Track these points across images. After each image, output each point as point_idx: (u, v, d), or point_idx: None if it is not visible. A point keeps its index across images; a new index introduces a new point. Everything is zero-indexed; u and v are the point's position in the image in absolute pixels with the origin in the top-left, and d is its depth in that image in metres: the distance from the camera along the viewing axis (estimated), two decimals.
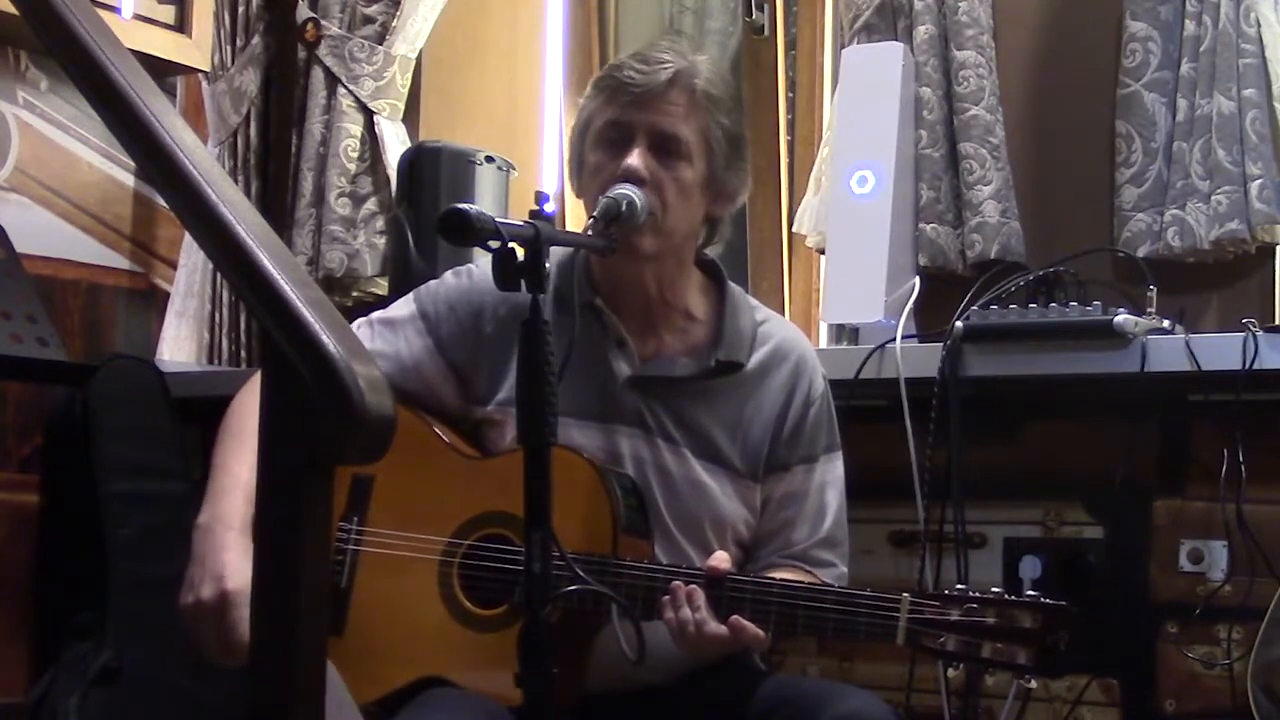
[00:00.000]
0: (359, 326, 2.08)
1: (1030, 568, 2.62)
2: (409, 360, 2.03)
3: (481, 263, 2.06)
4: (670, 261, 2.02)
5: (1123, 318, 2.33)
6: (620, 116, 1.96)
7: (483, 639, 1.89)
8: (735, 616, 1.79)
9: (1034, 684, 1.76)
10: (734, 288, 2.11)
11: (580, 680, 1.85)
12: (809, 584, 1.91)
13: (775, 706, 1.89)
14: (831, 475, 2.08)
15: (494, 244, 1.61)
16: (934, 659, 1.78)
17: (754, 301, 2.14)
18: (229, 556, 1.80)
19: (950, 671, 1.74)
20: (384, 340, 2.05)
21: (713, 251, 2.15)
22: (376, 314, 2.11)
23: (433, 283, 2.11)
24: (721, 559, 1.85)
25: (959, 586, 1.77)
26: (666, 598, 1.81)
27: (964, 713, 2.58)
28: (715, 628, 1.79)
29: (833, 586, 1.92)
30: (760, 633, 1.81)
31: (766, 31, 3.22)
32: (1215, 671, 2.47)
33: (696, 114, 1.97)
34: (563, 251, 2.04)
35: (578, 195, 2.07)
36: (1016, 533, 2.66)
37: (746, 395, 2.03)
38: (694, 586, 1.80)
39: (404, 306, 2.08)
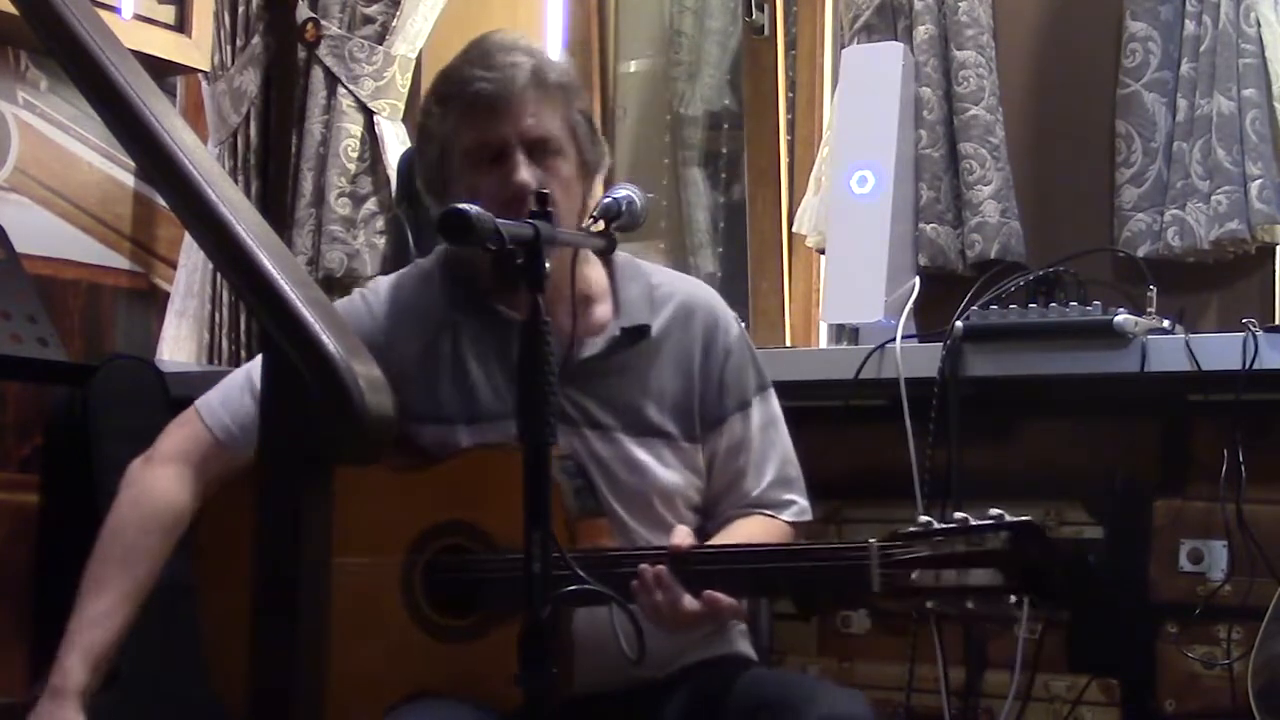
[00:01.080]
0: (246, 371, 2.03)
1: None
2: None
3: (375, 284, 2.07)
4: (562, 256, 1.93)
5: (1123, 318, 2.33)
6: (487, 133, 1.91)
7: (458, 650, 1.87)
8: (708, 591, 1.75)
9: (1014, 599, 1.71)
10: (622, 256, 2.04)
11: (567, 676, 1.84)
12: (775, 544, 1.89)
13: (759, 704, 1.86)
14: (769, 414, 2.04)
15: (493, 245, 1.60)
16: (912, 600, 1.75)
17: (644, 264, 2.09)
18: None
19: (930, 605, 1.71)
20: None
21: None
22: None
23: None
24: (682, 535, 1.81)
25: (922, 519, 1.73)
26: (635, 583, 1.77)
27: (964, 713, 2.58)
28: (690, 604, 1.75)
29: (799, 543, 1.90)
30: (735, 603, 1.78)
31: (766, 31, 3.22)
32: (1215, 671, 2.47)
33: (557, 107, 1.94)
34: (428, 263, 2.03)
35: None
36: None
37: (661, 358, 1.99)
38: (659, 567, 1.76)
39: None
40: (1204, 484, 2.49)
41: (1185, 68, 2.57)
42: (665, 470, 1.96)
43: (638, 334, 1.98)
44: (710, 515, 2.03)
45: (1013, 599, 1.70)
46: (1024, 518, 1.68)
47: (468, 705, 1.82)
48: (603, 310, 2.01)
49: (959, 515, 1.71)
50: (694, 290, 2.08)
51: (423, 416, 1.95)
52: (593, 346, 1.97)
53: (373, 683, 1.86)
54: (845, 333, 2.96)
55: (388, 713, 1.83)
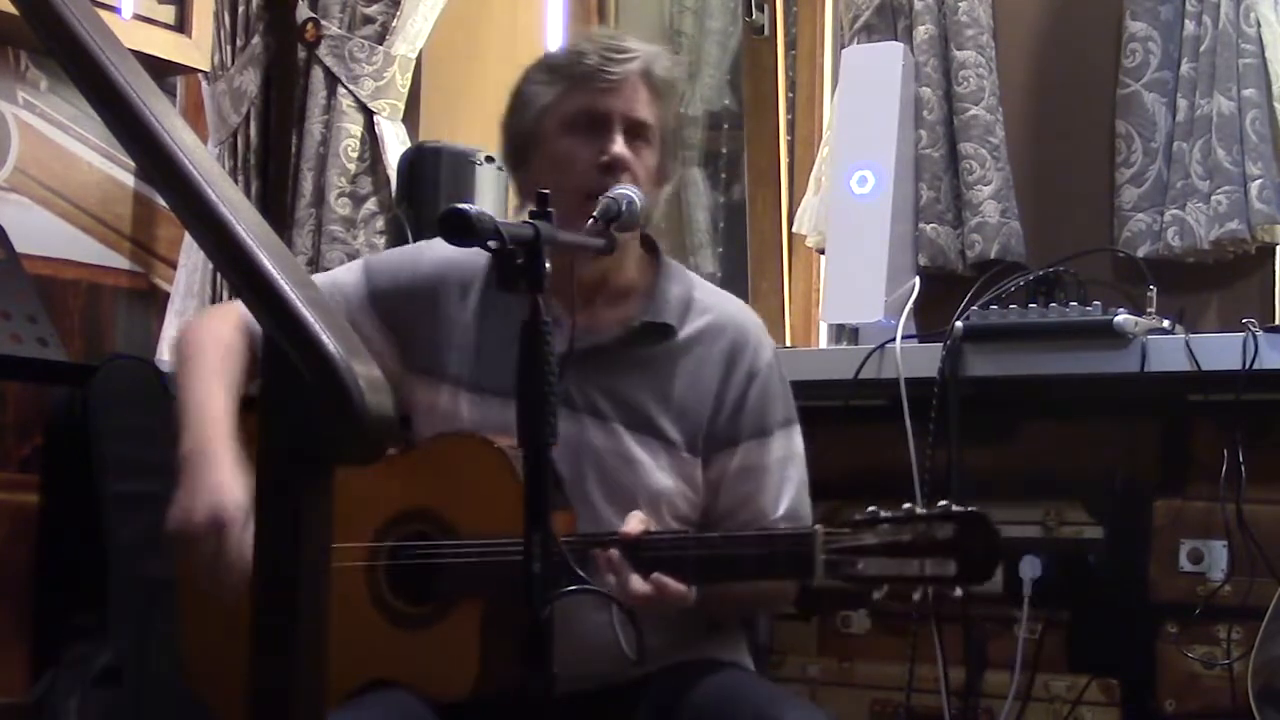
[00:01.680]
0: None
1: (1030, 568, 2.62)
2: (342, 308, 1.99)
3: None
4: (623, 246, 1.97)
5: (1123, 318, 2.33)
6: (595, 104, 1.95)
7: (417, 636, 1.87)
8: (656, 574, 1.76)
9: (960, 593, 1.72)
10: (672, 260, 2.07)
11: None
12: (723, 532, 1.89)
13: (711, 712, 1.86)
14: (791, 450, 2.04)
15: (494, 244, 1.60)
16: (859, 586, 1.75)
17: (694, 275, 2.10)
18: (222, 476, 1.77)
19: (876, 595, 1.71)
20: (324, 291, 2.03)
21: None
22: (321, 279, 2.07)
23: (383, 254, 2.11)
24: (635, 522, 1.81)
25: (870, 508, 1.72)
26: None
27: (964, 713, 2.58)
28: (640, 586, 1.75)
29: (748, 531, 1.90)
30: (681, 588, 1.77)
31: (766, 31, 3.22)
32: (1215, 671, 2.47)
33: (658, 102, 1.98)
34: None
35: (524, 185, 2.03)
36: (1016, 533, 2.66)
37: (679, 365, 1.99)
38: (612, 551, 1.77)
39: (354, 281, 2.06)
40: (1204, 484, 2.49)
41: (1185, 68, 2.57)
42: (658, 472, 1.96)
43: (659, 332, 1.99)
44: None
45: (958, 591, 1.70)
46: (970, 508, 1.67)
47: (399, 701, 1.82)
48: (634, 304, 2.02)
49: (906, 505, 1.71)
50: (733, 310, 2.08)
51: (429, 370, 1.98)
52: (612, 333, 1.98)
53: (332, 667, 1.86)
54: (845, 333, 2.96)
55: (343, 701, 1.83)
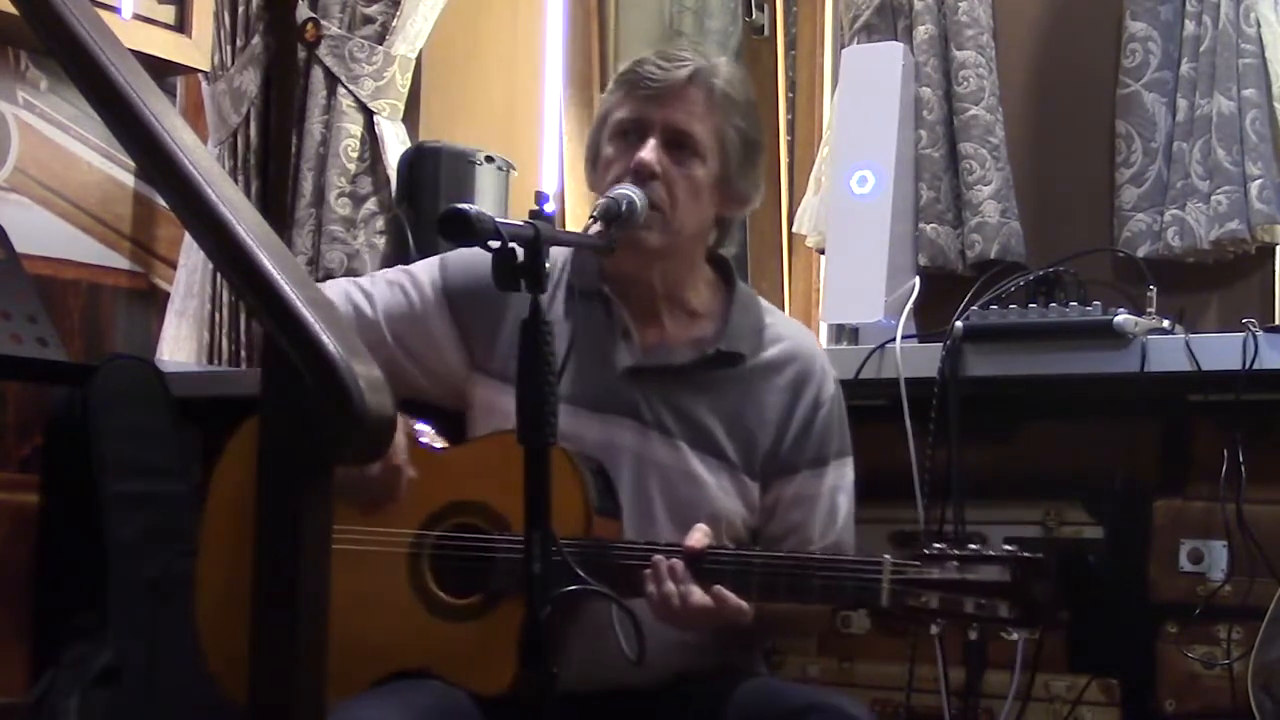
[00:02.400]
0: (380, 279, 2.09)
1: None
2: (430, 332, 2.04)
3: None
4: (676, 259, 2.02)
5: (1123, 318, 2.33)
6: (636, 111, 1.97)
7: (459, 628, 1.88)
8: (717, 586, 1.78)
9: (1016, 636, 1.77)
10: (744, 286, 2.11)
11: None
12: (789, 553, 1.90)
13: (754, 716, 1.87)
14: (843, 480, 2.07)
15: (494, 244, 1.61)
16: (918, 618, 1.78)
17: (765, 303, 2.14)
18: None
19: (934, 629, 1.75)
20: (408, 305, 2.05)
21: (724, 253, 2.16)
22: (400, 272, 2.11)
23: (461, 253, 2.11)
24: (700, 533, 1.84)
25: (937, 545, 1.77)
26: (648, 571, 1.80)
27: (964, 713, 2.58)
28: (700, 598, 1.78)
29: (813, 553, 1.92)
30: (742, 604, 1.80)
31: (766, 31, 3.22)
32: (1215, 671, 2.47)
33: (713, 113, 1.98)
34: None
35: (592, 189, 2.07)
36: (1016, 533, 2.65)
37: (747, 391, 2.02)
38: (675, 560, 1.80)
39: (430, 279, 2.09)
40: (1204, 484, 2.48)
41: (1185, 68, 2.57)
42: (720, 493, 1.99)
43: (730, 360, 2.01)
44: None
45: (1014, 634, 1.74)
46: (1036, 554, 1.73)
47: (439, 692, 1.83)
48: (705, 327, 2.05)
49: (973, 545, 1.76)
50: (803, 340, 2.11)
51: (496, 373, 1.99)
52: (684, 356, 2.01)
53: (365, 652, 1.87)
54: (845, 333, 2.96)
55: (373, 684, 1.84)
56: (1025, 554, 1.74)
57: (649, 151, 1.93)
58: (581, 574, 1.68)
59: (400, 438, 1.87)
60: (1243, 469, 2.38)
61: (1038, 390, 2.59)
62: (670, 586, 1.78)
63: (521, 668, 1.55)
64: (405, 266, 2.14)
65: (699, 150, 1.97)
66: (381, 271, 2.14)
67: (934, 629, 1.76)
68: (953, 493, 2.49)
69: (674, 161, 1.95)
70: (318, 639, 1.18)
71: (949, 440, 2.47)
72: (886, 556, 1.77)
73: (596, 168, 2.03)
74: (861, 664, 2.77)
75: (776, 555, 1.86)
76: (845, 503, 2.07)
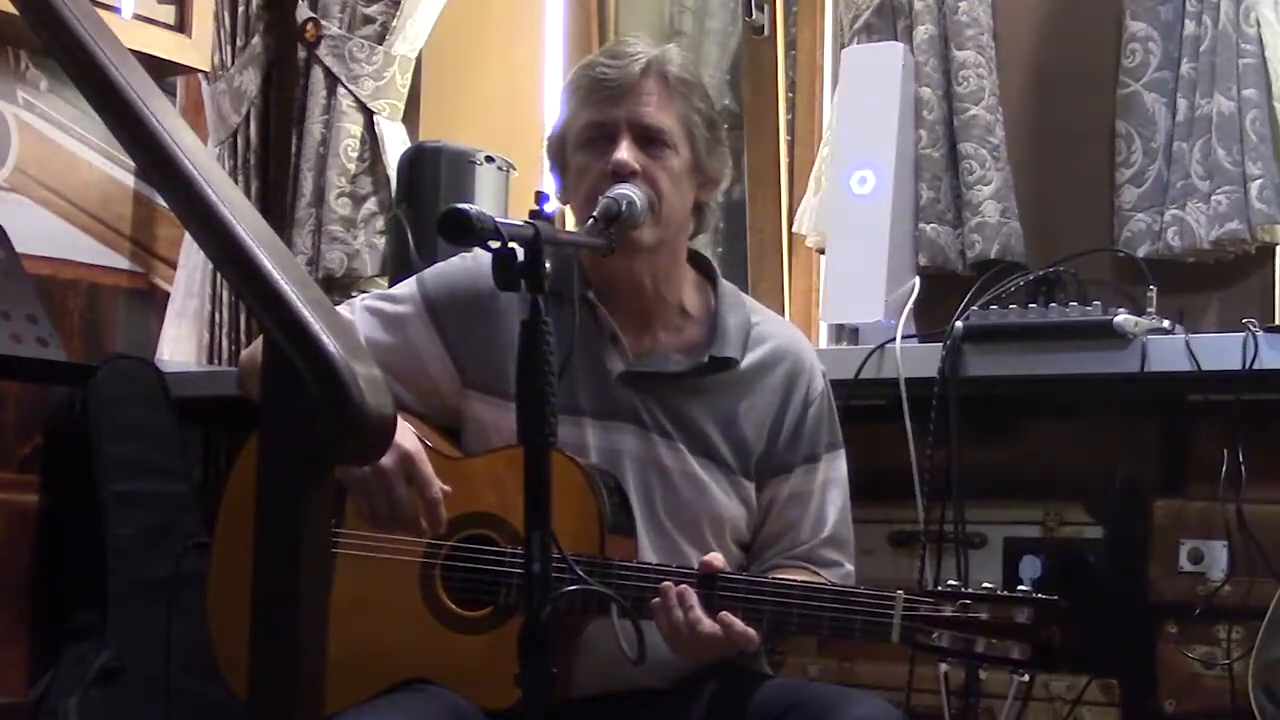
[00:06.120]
0: (359, 308, 2.07)
1: (1030, 568, 2.62)
2: (414, 350, 2.03)
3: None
4: (664, 254, 2.02)
5: (1123, 318, 2.33)
6: (599, 115, 1.96)
7: (468, 641, 1.88)
8: (724, 612, 1.78)
9: (1027, 678, 1.76)
10: (726, 284, 2.10)
11: (567, 679, 1.85)
12: (803, 582, 1.89)
13: (781, 712, 1.87)
14: (835, 474, 2.07)
15: (494, 244, 1.60)
16: (929, 655, 1.78)
17: (749, 300, 2.14)
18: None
19: (945, 667, 1.74)
20: (388, 329, 2.04)
21: (705, 240, 2.15)
22: (376, 297, 2.10)
23: (438, 267, 2.10)
24: (715, 558, 1.84)
25: (951, 583, 1.77)
26: (657, 600, 1.79)
27: (964, 713, 2.58)
28: (709, 626, 1.77)
29: (827, 585, 1.91)
30: (750, 632, 1.79)
31: (766, 31, 3.22)
32: (1215, 671, 2.47)
33: (674, 101, 1.98)
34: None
35: (564, 201, 2.06)
36: (1016, 533, 2.66)
37: (740, 393, 2.02)
38: (684, 586, 1.79)
39: (409, 295, 2.07)
40: (1204, 484, 2.49)
41: (1185, 68, 2.57)
42: (721, 496, 1.99)
43: (724, 365, 2.02)
44: (756, 558, 2.05)
45: (1024, 675, 1.73)
46: (1053, 597, 1.71)
47: (446, 700, 1.82)
48: (693, 329, 2.05)
49: (986, 585, 1.75)
50: (789, 338, 2.12)
51: (491, 389, 1.99)
52: (678, 364, 2.01)
53: (373, 657, 1.87)
54: (845, 333, 2.96)
55: (380, 691, 1.84)
56: (1042, 597, 1.72)
57: (624, 151, 1.93)
58: (581, 574, 1.68)
59: (417, 445, 1.85)
60: (1243, 469, 2.38)
61: (1037, 390, 2.59)
62: (679, 614, 1.78)
63: (520, 667, 1.55)
64: (382, 291, 2.14)
65: (669, 141, 1.97)
66: (360, 298, 2.11)
67: (943, 668, 1.75)
68: (952, 493, 2.49)
69: (649, 156, 1.95)
70: (318, 639, 1.18)
71: (949, 440, 2.47)
72: (900, 592, 1.76)
73: (566, 180, 2.02)
74: (861, 663, 2.77)
75: (788, 585, 1.85)
76: (839, 495, 2.07)
